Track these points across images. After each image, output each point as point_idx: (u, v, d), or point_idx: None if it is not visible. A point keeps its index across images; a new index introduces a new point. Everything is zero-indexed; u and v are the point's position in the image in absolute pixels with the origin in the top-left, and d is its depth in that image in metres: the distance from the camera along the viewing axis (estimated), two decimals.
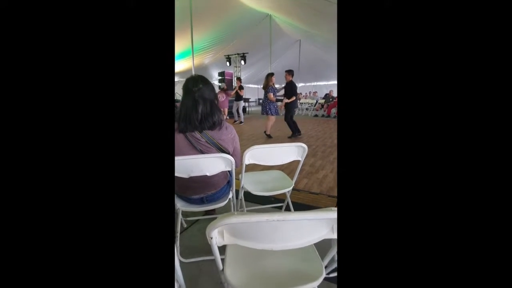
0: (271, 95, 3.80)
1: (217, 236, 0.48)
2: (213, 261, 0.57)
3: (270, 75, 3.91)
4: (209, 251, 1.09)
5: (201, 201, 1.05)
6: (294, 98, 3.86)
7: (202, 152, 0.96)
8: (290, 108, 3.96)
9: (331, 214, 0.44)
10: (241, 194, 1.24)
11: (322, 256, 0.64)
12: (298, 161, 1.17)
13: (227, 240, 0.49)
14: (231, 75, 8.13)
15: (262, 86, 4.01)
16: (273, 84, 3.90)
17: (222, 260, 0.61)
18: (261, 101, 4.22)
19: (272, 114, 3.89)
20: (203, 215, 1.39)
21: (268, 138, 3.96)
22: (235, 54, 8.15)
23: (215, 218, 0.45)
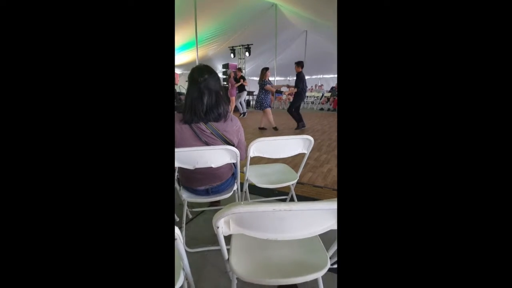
0: (269, 86, 3.90)
1: (223, 225, 0.48)
2: (218, 251, 0.58)
3: (264, 69, 4.01)
4: (214, 241, 1.11)
5: (206, 193, 1.07)
6: (295, 89, 3.89)
7: (207, 144, 0.96)
8: (294, 101, 4.00)
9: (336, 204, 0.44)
10: (246, 187, 1.25)
11: (327, 247, 0.65)
12: (303, 155, 1.16)
13: (233, 229, 0.49)
14: (235, 67, 8.03)
15: (258, 81, 4.11)
16: (268, 78, 3.99)
17: (228, 250, 0.62)
18: None
19: (266, 107, 3.96)
20: (208, 207, 1.41)
21: (275, 131, 3.99)
22: (239, 46, 8.02)
23: (220, 210, 0.45)
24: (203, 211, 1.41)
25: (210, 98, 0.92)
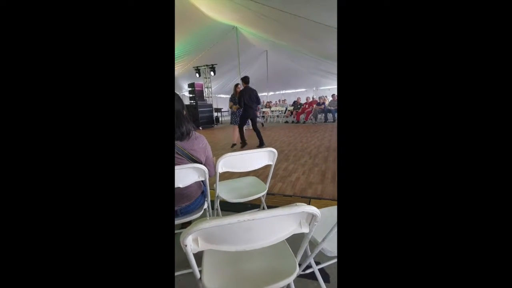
0: (231, 103, 3.96)
1: (191, 243, 0.48)
2: (190, 274, 0.57)
3: (235, 85, 4.03)
4: (186, 266, 1.05)
5: (175, 214, 1.03)
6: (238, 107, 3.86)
7: None
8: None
9: (296, 209, 0.49)
10: (217, 204, 1.24)
11: (295, 252, 0.69)
12: (270, 165, 1.23)
13: (201, 246, 0.50)
14: (201, 86, 8.07)
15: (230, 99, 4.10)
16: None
17: (200, 271, 0.61)
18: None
19: (236, 123, 3.90)
20: (179, 229, 1.34)
21: (232, 147, 3.91)
22: (204, 66, 8.15)
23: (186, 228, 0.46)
24: None
25: None
